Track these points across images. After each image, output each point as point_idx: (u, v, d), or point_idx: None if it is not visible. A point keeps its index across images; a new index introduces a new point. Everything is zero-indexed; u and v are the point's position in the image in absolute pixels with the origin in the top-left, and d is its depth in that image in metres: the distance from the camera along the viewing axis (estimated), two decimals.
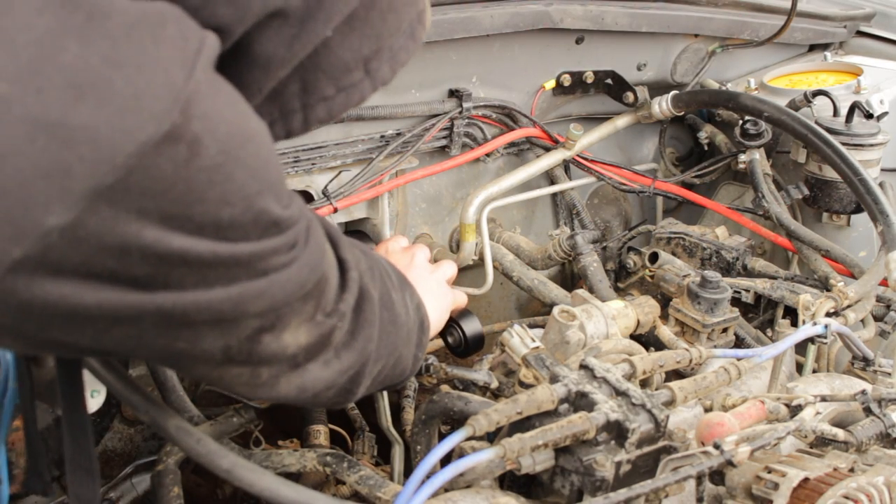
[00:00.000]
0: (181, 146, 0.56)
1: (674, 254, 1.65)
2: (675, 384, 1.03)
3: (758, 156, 1.77)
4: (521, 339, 1.12)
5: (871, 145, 1.68)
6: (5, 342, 0.68)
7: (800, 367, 1.36)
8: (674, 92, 1.87)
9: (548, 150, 1.81)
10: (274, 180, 0.65)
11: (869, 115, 1.70)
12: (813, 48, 2.17)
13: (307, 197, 1.55)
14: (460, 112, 1.68)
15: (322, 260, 0.74)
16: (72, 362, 0.86)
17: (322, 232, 0.76)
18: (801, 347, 1.28)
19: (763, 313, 1.53)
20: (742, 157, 1.79)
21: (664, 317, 1.35)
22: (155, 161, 0.55)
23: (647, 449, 0.90)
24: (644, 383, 1.08)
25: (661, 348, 1.26)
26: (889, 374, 1.30)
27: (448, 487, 0.91)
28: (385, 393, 1.43)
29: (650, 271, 1.56)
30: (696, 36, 1.94)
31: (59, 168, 0.53)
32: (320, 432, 1.36)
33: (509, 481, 0.98)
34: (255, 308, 0.66)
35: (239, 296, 0.64)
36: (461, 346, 1.27)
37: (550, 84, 1.82)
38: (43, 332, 0.60)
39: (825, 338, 1.23)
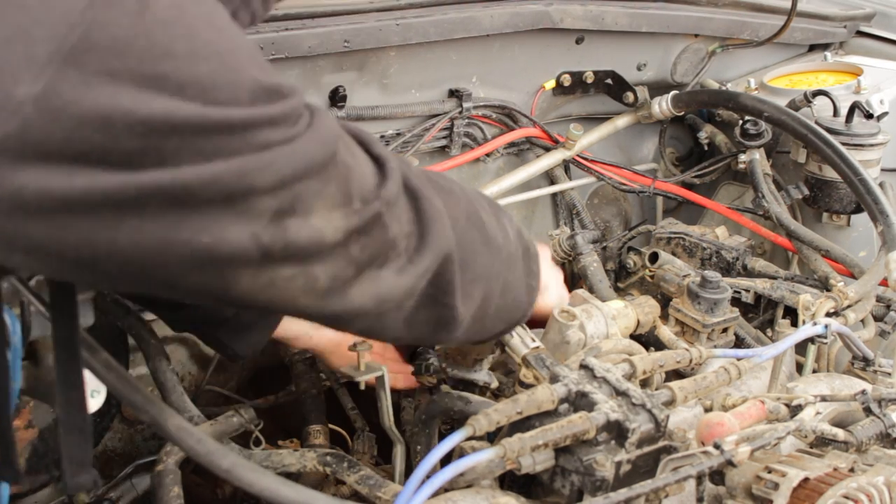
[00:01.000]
0: None
1: (674, 254, 1.64)
2: (675, 384, 1.03)
3: (758, 156, 1.77)
4: (521, 339, 1.11)
5: (871, 145, 1.68)
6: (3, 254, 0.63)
7: (800, 367, 1.36)
8: (674, 92, 1.87)
9: (548, 150, 1.81)
10: (247, 47, 0.64)
11: (869, 115, 1.70)
12: (813, 48, 2.17)
13: None
14: (460, 112, 1.68)
15: (333, 139, 0.70)
16: (67, 302, 0.83)
17: (332, 120, 0.73)
18: (801, 347, 1.28)
19: (763, 313, 1.53)
20: (742, 157, 1.79)
21: (664, 317, 1.35)
22: (108, 15, 0.56)
23: (647, 449, 0.90)
24: (644, 383, 1.08)
25: (661, 348, 1.26)
26: (889, 374, 1.30)
27: (448, 487, 0.91)
28: (387, 392, 1.42)
29: (650, 271, 1.56)
30: (696, 36, 1.94)
31: (20, 34, 0.54)
32: (320, 432, 1.36)
33: (509, 481, 0.98)
34: (261, 181, 0.63)
35: (241, 167, 0.62)
36: None
37: (550, 84, 1.82)
38: (52, 234, 0.58)
39: (825, 338, 1.23)
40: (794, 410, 1.04)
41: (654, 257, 1.59)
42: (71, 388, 0.85)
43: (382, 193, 0.75)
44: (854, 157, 1.58)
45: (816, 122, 1.67)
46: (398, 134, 1.64)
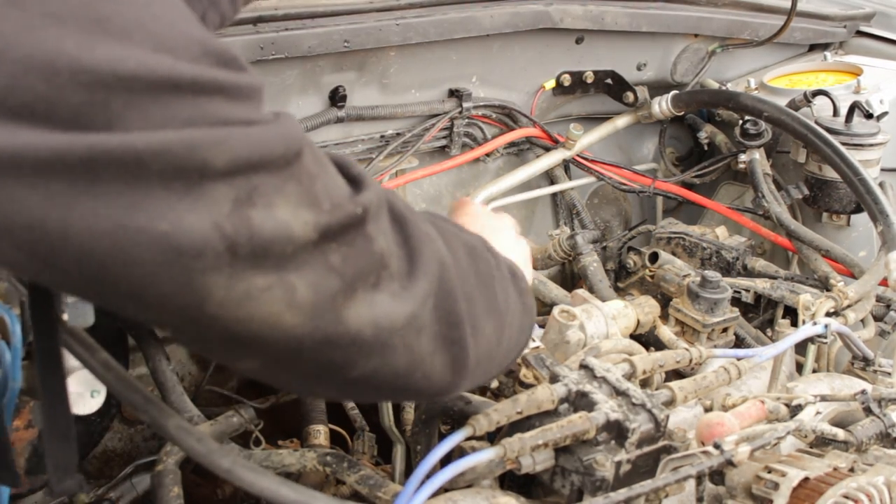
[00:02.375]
0: None
1: (674, 254, 1.65)
2: (675, 384, 1.03)
3: (758, 156, 1.77)
4: None
5: (871, 145, 1.68)
6: None
7: (800, 367, 1.36)
8: (674, 92, 1.87)
9: (548, 150, 1.82)
10: (190, 14, 0.63)
11: (869, 115, 1.70)
12: (813, 48, 2.18)
13: None
14: (460, 112, 1.68)
15: (298, 141, 0.66)
16: (45, 309, 0.82)
17: (299, 126, 0.69)
18: (801, 347, 1.28)
19: (763, 313, 1.53)
20: (742, 157, 1.79)
21: (664, 317, 1.35)
22: None
23: (647, 449, 0.90)
24: (644, 383, 1.08)
25: (661, 348, 1.26)
26: (889, 373, 1.30)
27: (448, 487, 0.91)
28: None
29: (650, 271, 1.56)
30: (696, 36, 1.95)
31: None
32: (320, 432, 1.36)
33: (509, 481, 0.98)
34: (213, 159, 0.59)
35: (192, 139, 0.58)
36: None
37: (550, 84, 1.82)
38: None
39: (825, 338, 1.23)
40: (794, 410, 1.04)
41: (654, 257, 1.59)
42: (53, 395, 0.84)
43: (358, 199, 0.69)
44: (854, 156, 1.58)
45: (816, 122, 1.67)
46: (398, 134, 1.64)
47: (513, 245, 1.02)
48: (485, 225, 1.01)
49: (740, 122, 1.78)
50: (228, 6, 0.77)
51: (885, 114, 1.78)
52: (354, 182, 0.72)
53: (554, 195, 1.94)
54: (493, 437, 0.94)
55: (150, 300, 0.61)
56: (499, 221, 1.07)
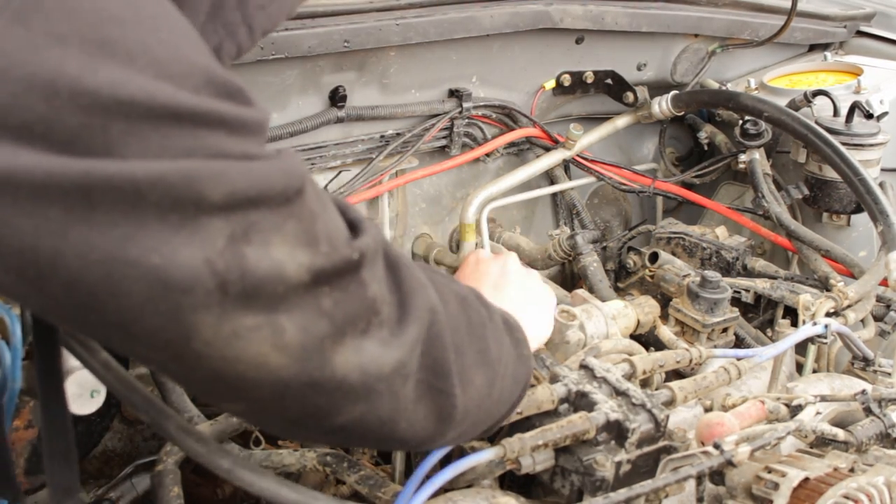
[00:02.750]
0: None
1: (674, 254, 1.65)
2: (675, 384, 1.03)
3: (758, 156, 1.77)
4: None
5: (871, 145, 1.68)
6: None
7: (800, 367, 1.36)
8: (674, 92, 1.87)
9: (548, 150, 1.81)
10: (200, 40, 0.62)
11: (869, 115, 1.70)
12: (813, 48, 2.18)
13: None
14: (460, 112, 1.68)
15: (300, 177, 0.65)
16: (47, 336, 0.82)
17: (302, 163, 0.68)
18: (801, 347, 1.28)
19: (763, 313, 1.53)
20: (742, 157, 1.79)
21: (664, 317, 1.35)
22: None
23: (647, 449, 0.91)
24: (644, 383, 1.09)
25: (661, 348, 1.27)
26: (889, 374, 1.30)
27: (448, 487, 0.91)
28: None
29: (650, 271, 1.56)
30: (696, 36, 1.95)
31: None
32: None
33: (509, 481, 0.98)
34: (210, 192, 0.58)
35: (189, 170, 0.57)
36: None
37: (550, 84, 1.82)
38: None
39: (825, 338, 1.23)
40: (794, 410, 1.04)
41: (654, 257, 1.59)
42: (54, 415, 0.83)
43: (356, 244, 0.68)
44: (854, 157, 1.58)
45: (816, 122, 1.67)
46: (398, 134, 1.64)
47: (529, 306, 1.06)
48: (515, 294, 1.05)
49: (740, 122, 1.78)
50: (246, 37, 0.76)
51: (885, 114, 1.78)
52: (353, 226, 0.72)
53: (554, 195, 1.94)
54: (493, 438, 0.94)
55: (136, 333, 0.60)
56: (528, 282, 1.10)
